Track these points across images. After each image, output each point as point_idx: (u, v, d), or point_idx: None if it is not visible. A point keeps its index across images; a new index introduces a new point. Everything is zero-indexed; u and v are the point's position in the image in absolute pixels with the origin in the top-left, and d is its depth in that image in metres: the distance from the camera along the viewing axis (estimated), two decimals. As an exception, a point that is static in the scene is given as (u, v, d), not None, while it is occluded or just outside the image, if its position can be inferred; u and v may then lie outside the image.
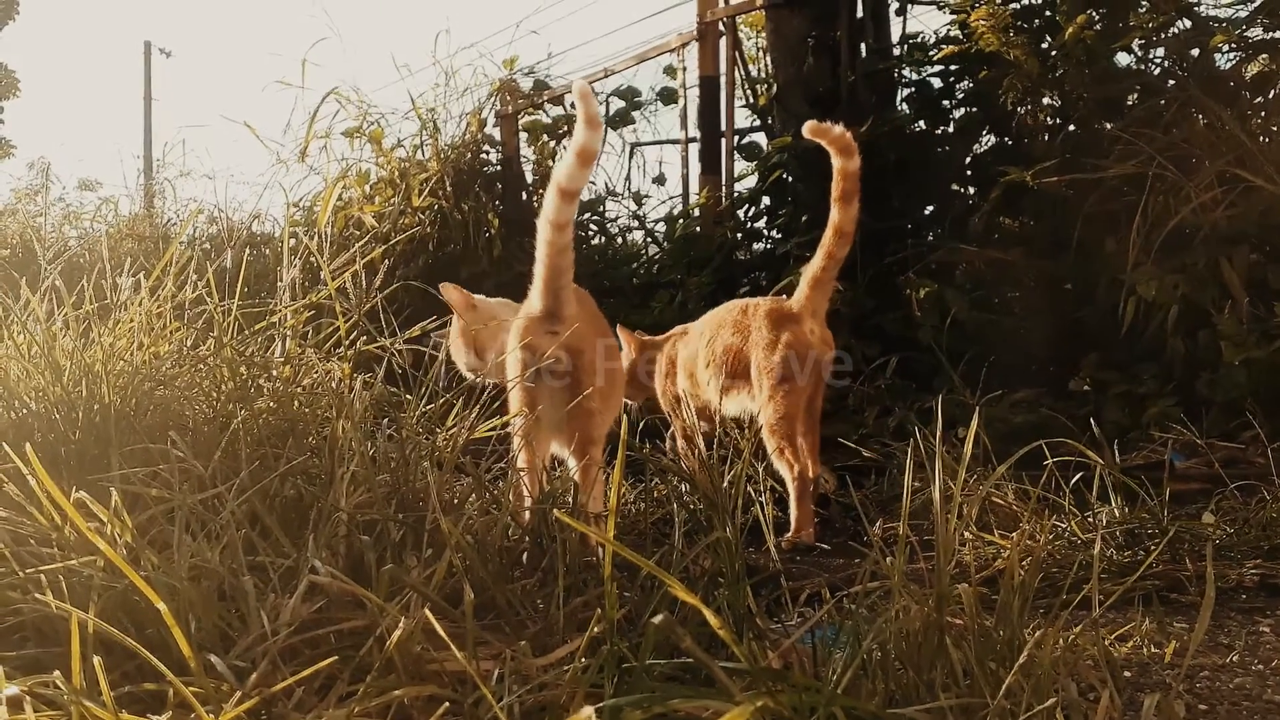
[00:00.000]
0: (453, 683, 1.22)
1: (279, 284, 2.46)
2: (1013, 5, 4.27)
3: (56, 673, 1.06)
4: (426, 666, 1.25)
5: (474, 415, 2.17)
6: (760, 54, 5.71)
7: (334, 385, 2.20)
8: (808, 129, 2.70)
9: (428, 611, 1.19)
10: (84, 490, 1.38)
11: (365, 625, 1.32)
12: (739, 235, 5.28)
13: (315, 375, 2.29)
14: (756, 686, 1.03)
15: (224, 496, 1.64)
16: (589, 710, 0.78)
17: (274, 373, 2.27)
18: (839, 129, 2.69)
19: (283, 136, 6.42)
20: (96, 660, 1.03)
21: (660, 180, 6.35)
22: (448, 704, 1.10)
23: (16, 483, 1.53)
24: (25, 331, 2.16)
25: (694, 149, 5.73)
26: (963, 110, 4.67)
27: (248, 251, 2.75)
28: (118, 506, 1.41)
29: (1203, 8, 4.06)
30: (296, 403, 2.15)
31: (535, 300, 2.22)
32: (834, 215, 2.76)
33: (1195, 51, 3.93)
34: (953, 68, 4.60)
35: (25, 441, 1.40)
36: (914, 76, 4.88)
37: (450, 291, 2.71)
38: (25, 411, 2.01)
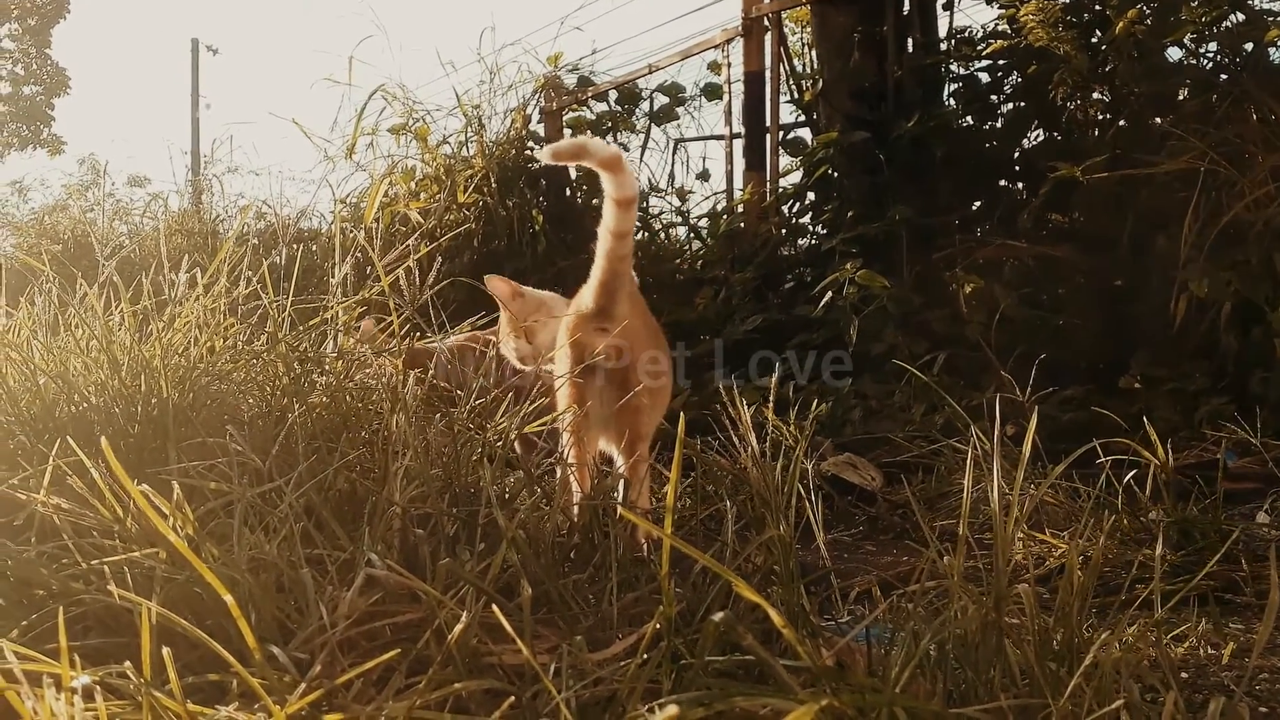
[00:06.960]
0: (510, 676, 1.23)
1: (330, 280, 2.48)
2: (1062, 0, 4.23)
3: (127, 663, 1.08)
4: (483, 659, 1.26)
5: (524, 410, 2.18)
6: (805, 49, 5.69)
7: (386, 380, 2.21)
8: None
9: (492, 605, 1.20)
10: (144, 483, 1.40)
11: (421, 618, 1.33)
12: (783, 231, 5.27)
13: (368, 370, 2.31)
14: (816, 685, 1.03)
15: (281, 490, 1.66)
16: (672, 709, 0.78)
17: (327, 368, 2.29)
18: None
19: (330, 133, 6.49)
20: (166, 651, 1.05)
21: (704, 176, 6.35)
22: (512, 699, 1.10)
23: (78, 475, 1.55)
24: (84, 326, 2.19)
25: (738, 145, 5.72)
26: (1011, 105, 4.63)
27: (299, 248, 2.77)
28: (179, 499, 1.43)
29: (1257, 1, 4.01)
30: (349, 397, 2.17)
31: (588, 298, 2.22)
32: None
33: (1249, 46, 3.87)
34: (1001, 63, 4.56)
35: (85, 435, 1.42)
36: (961, 71, 4.85)
37: (495, 283, 2.70)
38: (85, 405, 2.04)
